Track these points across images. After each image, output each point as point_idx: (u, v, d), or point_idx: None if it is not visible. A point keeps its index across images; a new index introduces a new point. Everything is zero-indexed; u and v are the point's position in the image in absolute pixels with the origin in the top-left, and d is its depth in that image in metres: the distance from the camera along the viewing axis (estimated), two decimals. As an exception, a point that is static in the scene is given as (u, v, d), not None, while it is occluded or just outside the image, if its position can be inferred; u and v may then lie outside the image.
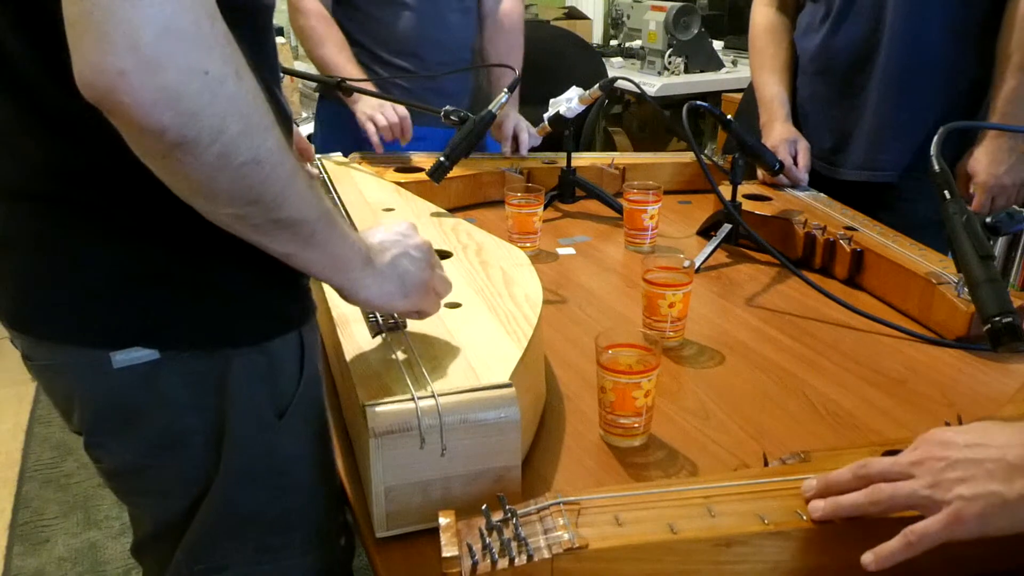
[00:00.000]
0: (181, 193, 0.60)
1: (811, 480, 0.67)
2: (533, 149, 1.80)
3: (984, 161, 1.34)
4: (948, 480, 0.60)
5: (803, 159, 1.52)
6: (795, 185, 1.52)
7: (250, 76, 0.58)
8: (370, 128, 1.63)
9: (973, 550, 0.62)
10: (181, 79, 0.53)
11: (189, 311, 0.70)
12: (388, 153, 1.67)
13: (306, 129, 2.02)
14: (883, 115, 1.48)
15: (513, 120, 1.74)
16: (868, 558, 0.61)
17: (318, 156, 1.59)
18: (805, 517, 0.65)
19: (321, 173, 1.48)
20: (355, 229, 0.74)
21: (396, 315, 0.86)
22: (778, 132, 1.54)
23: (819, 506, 0.64)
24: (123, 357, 0.69)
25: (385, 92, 1.65)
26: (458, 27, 1.82)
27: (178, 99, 0.53)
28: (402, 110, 1.64)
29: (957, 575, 0.66)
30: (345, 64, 1.67)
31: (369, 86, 1.61)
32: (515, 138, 1.73)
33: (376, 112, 1.63)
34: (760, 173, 1.55)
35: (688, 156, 1.74)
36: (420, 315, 0.82)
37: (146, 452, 0.73)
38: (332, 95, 1.73)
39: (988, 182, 1.34)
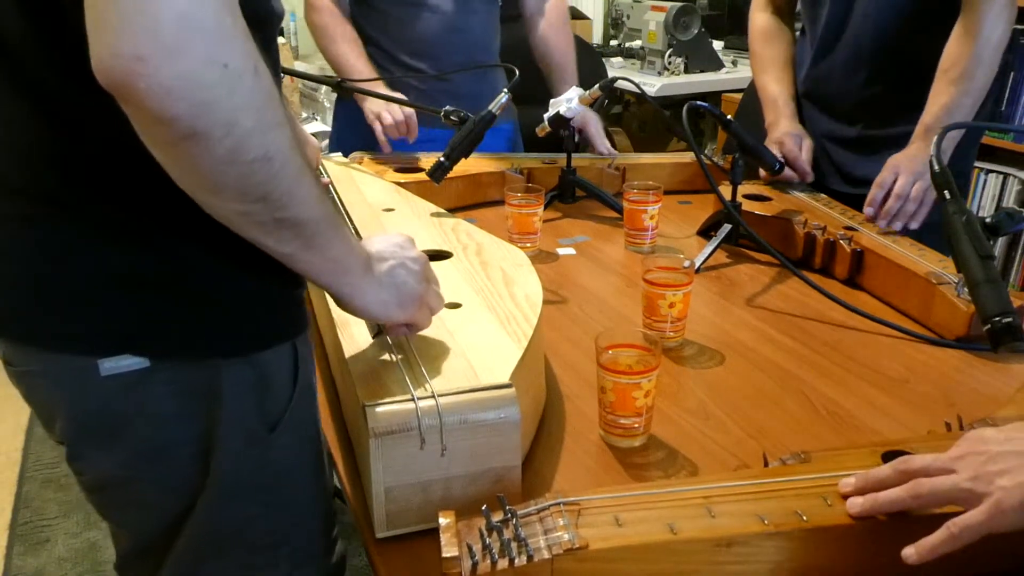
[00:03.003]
0: (186, 186, 0.59)
1: (849, 477, 0.67)
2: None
3: (903, 157, 1.36)
4: (989, 473, 0.60)
5: (806, 153, 1.52)
6: (802, 180, 1.53)
7: (267, 73, 0.58)
8: (377, 127, 1.64)
9: (973, 550, 0.62)
10: (199, 69, 0.53)
11: (180, 318, 0.69)
12: (397, 153, 1.68)
13: (306, 129, 2.03)
14: (866, 138, 1.50)
15: (592, 121, 1.72)
16: (909, 551, 0.61)
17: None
18: (805, 517, 0.65)
19: (324, 176, 1.48)
20: (358, 235, 0.74)
21: (381, 326, 0.85)
22: (783, 128, 1.55)
23: (858, 502, 0.65)
24: (111, 365, 0.67)
25: (374, 91, 1.65)
26: (479, 30, 1.81)
27: (195, 89, 0.53)
28: (407, 108, 1.64)
29: (957, 575, 0.66)
30: (356, 62, 1.67)
31: (376, 85, 1.61)
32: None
33: (383, 110, 1.63)
34: (762, 172, 1.55)
35: (688, 156, 1.74)
36: (412, 328, 0.81)
37: (130, 463, 0.72)
38: (346, 94, 1.73)
39: (906, 166, 1.34)
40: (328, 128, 2.47)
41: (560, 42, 1.86)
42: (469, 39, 1.79)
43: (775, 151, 1.50)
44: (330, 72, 1.79)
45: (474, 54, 1.80)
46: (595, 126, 1.72)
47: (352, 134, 1.80)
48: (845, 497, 0.66)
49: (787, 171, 1.51)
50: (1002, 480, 0.60)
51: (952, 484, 0.62)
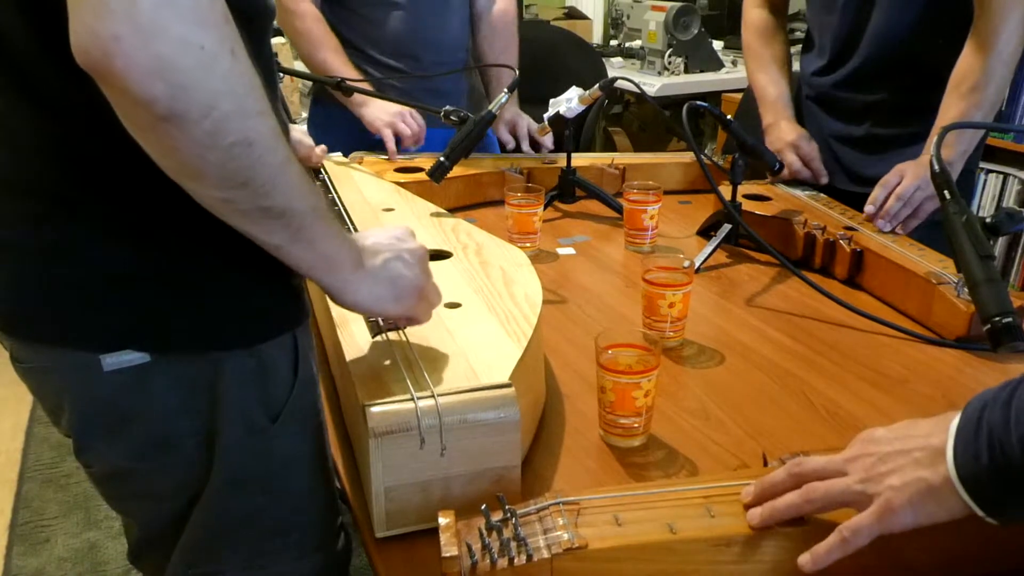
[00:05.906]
0: (169, 171, 0.59)
1: (750, 486, 0.66)
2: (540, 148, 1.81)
3: (912, 163, 1.35)
4: (879, 474, 0.61)
5: (816, 154, 1.53)
6: (817, 183, 1.53)
7: (246, 59, 0.58)
8: (388, 134, 1.64)
9: (970, 550, 0.62)
10: (175, 50, 0.53)
11: (180, 313, 0.69)
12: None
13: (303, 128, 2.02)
14: (874, 136, 1.50)
15: (510, 116, 1.75)
16: (805, 559, 0.61)
17: None
18: (804, 517, 0.64)
19: (322, 174, 1.48)
20: (355, 230, 0.74)
21: (382, 321, 0.85)
22: (786, 131, 1.55)
23: (756, 512, 0.64)
24: (113, 360, 0.68)
25: (380, 93, 1.65)
26: (452, 27, 1.82)
27: (171, 70, 0.53)
28: (420, 119, 1.66)
29: (958, 575, 0.66)
30: (342, 67, 1.67)
31: (368, 87, 1.61)
32: (515, 131, 1.76)
33: (396, 120, 1.64)
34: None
35: (688, 156, 1.74)
36: (411, 322, 0.81)
37: (136, 456, 0.73)
38: (326, 97, 1.73)
39: (913, 171, 1.34)
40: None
41: (500, 45, 1.89)
42: (440, 36, 1.80)
43: (789, 155, 1.50)
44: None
45: (449, 52, 1.82)
46: (523, 128, 1.79)
47: (326, 136, 1.80)
48: (747, 507, 0.65)
49: (800, 172, 1.51)
50: (891, 480, 0.60)
51: (844, 487, 0.62)
